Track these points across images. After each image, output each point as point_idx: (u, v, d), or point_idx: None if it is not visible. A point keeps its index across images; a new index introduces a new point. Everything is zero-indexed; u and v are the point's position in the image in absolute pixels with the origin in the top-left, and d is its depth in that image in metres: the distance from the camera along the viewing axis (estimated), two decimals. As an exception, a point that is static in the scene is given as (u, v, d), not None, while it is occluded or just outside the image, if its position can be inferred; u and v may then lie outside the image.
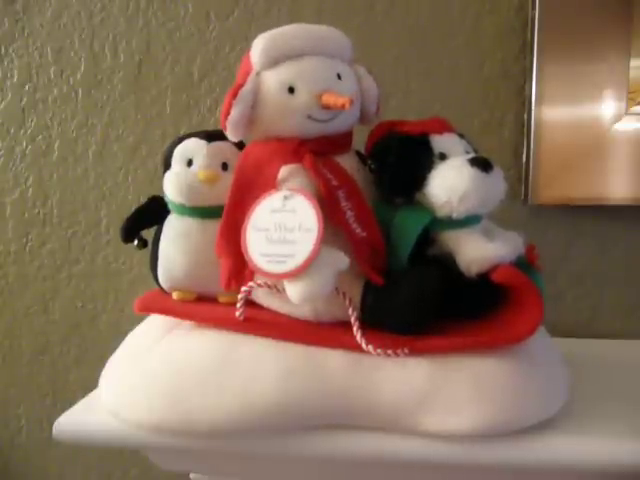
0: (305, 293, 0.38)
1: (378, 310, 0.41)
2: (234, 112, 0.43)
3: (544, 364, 0.42)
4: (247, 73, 0.44)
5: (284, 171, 0.43)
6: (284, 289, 0.40)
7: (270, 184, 0.43)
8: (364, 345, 0.40)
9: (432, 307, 0.40)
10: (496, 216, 0.46)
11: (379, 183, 0.45)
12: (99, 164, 0.72)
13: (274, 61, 0.44)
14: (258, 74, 0.44)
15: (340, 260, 0.39)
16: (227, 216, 0.44)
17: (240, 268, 0.43)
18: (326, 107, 0.42)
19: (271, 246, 0.40)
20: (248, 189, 0.44)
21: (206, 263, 0.47)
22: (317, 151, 0.43)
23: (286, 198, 0.41)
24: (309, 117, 0.43)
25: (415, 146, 0.44)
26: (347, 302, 0.41)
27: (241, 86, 0.43)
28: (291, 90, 0.43)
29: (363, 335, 0.41)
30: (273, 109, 0.44)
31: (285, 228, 0.40)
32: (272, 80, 0.43)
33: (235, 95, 0.43)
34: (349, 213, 0.41)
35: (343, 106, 0.41)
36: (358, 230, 0.41)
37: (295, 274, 0.39)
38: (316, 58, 0.44)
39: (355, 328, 0.41)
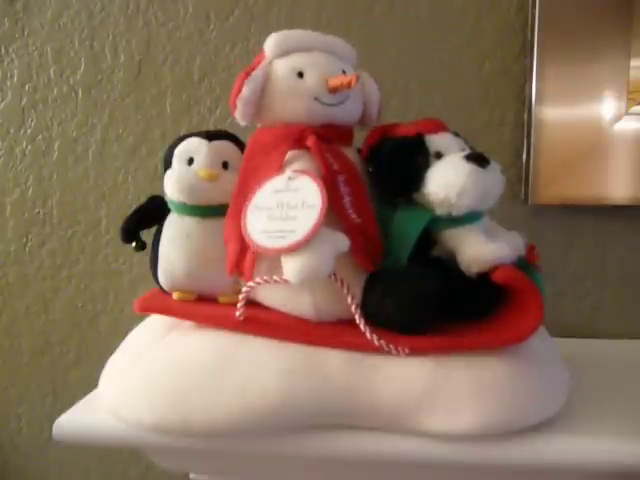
0: (303, 269, 0.37)
1: (378, 310, 0.41)
2: (245, 90, 0.44)
3: (544, 364, 0.42)
4: (259, 62, 0.46)
5: (289, 156, 0.44)
6: (284, 278, 0.39)
7: (275, 168, 0.43)
8: (368, 334, 0.40)
9: (432, 307, 0.40)
10: (496, 216, 0.46)
11: (378, 185, 0.45)
12: (99, 164, 0.72)
13: (286, 52, 0.46)
14: (270, 63, 0.46)
15: (340, 241, 0.39)
16: (235, 201, 0.44)
17: (246, 252, 0.43)
18: (333, 90, 0.44)
19: (272, 223, 0.40)
20: (254, 173, 0.44)
21: (206, 263, 0.47)
22: (322, 136, 0.44)
23: (290, 179, 0.41)
24: (316, 99, 0.44)
25: (411, 146, 0.44)
26: (345, 290, 0.41)
27: (253, 69, 0.45)
28: (300, 75, 0.44)
29: (367, 324, 0.40)
30: (282, 92, 0.45)
31: (288, 206, 0.40)
32: (282, 66, 0.45)
33: (247, 76, 0.44)
34: (346, 198, 0.41)
35: (350, 83, 0.42)
36: (354, 216, 0.41)
37: (295, 248, 0.38)
38: (324, 53, 0.46)
39: (357, 316, 0.41)
